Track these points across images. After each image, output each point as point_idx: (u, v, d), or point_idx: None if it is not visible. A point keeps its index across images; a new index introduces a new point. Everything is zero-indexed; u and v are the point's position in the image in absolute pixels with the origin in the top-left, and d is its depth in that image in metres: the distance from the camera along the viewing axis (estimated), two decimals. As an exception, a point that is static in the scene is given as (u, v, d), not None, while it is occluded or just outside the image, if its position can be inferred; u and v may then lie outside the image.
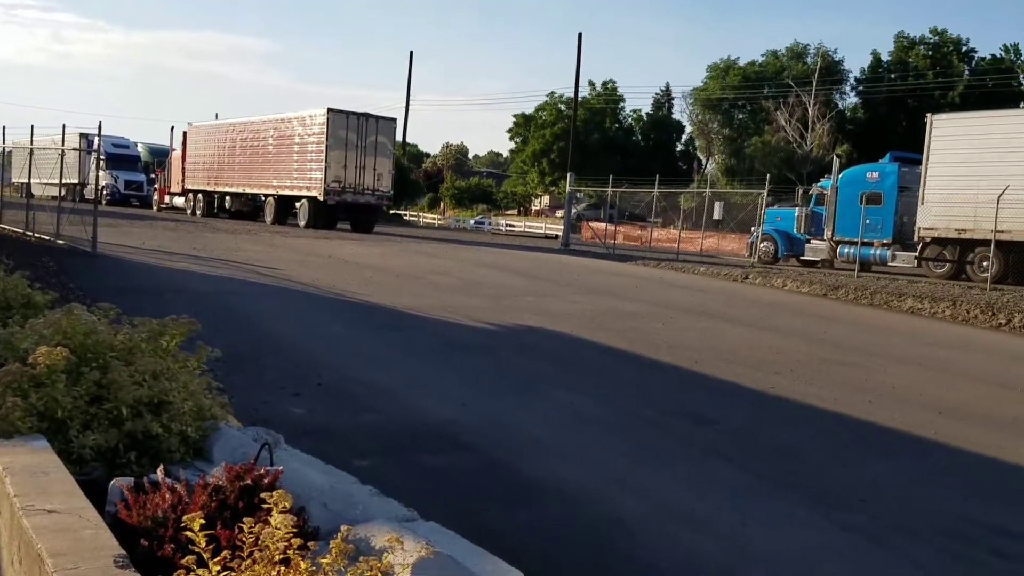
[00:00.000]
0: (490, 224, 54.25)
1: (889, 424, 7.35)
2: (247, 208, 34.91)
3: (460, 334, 10.61)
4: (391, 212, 44.77)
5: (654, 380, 8.86)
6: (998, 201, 17.87)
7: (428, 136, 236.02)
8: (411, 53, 77.90)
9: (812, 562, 4.49)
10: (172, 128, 40.66)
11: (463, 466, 5.60)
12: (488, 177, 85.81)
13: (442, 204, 73.42)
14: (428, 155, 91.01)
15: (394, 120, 32.27)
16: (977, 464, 6.43)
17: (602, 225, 34.47)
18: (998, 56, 51.51)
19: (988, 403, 8.54)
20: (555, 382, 8.36)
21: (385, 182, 30.42)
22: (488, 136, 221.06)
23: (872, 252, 22.65)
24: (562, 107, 61.63)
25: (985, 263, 19.33)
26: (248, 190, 33.98)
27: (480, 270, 18.80)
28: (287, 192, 31.34)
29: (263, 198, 33.33)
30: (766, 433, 7.02)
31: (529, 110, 65.75)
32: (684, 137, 64.38)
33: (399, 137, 46.75)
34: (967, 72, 50.99)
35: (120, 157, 42.42)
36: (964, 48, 52.41)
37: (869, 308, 16.26)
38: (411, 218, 58.59)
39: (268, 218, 32.25)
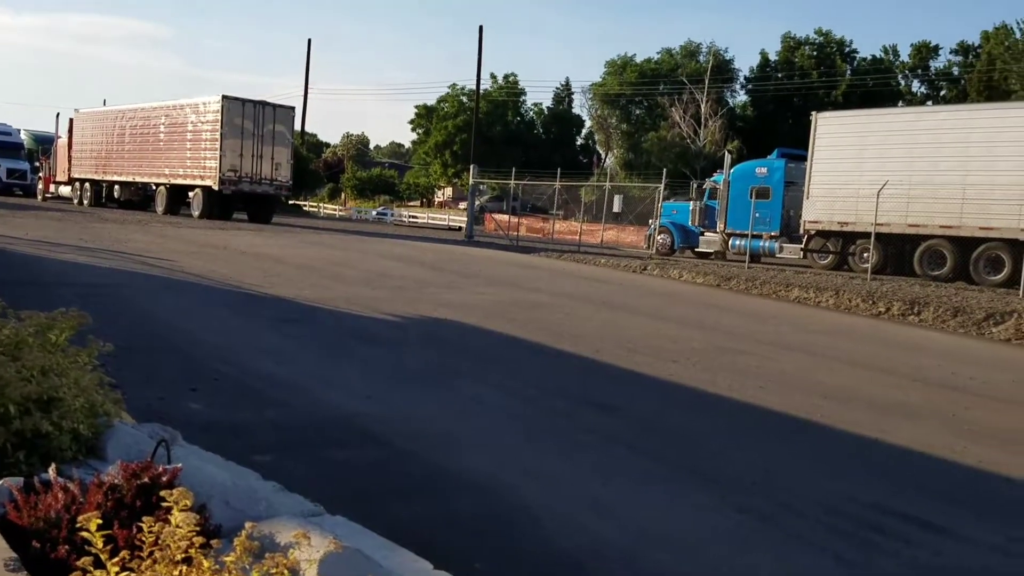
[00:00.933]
0: (393, 215, 53.78)
1: (779, 408, 7.68)
2: (137, 198, 33.64)
3: (364, 326, 10.50)
4: (290, 202, 43.85)
5: (558, 369, 8.99)
6: (878, 196, 18.87)
7: (328, 126, 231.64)
8: (309, 41, 76.33)
9: (710, 543, 4.65)
10: (58, 115, 38.89)
11: (370, 459, 5.56)
12: (390, 168, 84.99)
13: (343, 195, 72.28)
14: (328, 145, 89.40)
15: (292, 108, 31.64)
16: (861, 446, 6.78)
17: (505, 217, 34.69)
18: (878, 57, 54.29)
19: (870, 387, 9.02)
20: (460, 373, 8.38)
21: (283, 171, 29.78)
22: (390, 127, 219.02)
23: (761, 244, 23.57)
24: (464, 99, 61.58)
25: (865, 254, 20.37)
26: (138, 179, 32.72)
27: (384, 262, 18.62)
28: (180, 181, 30.32)
29: (154, 187, 32.15)
30: (665, 419, 7.24)
31: (431, 101, 65.52)
32: (584, 131, 65.37)
33: (298, 126, 45.76)
34: (849, 72, 53.49)
35: (1, 144, 40.16)
36: (847, 49, 54.98)
37: (759, 298, 16.92)
38: (311, 209, 57.50)
39: (160, 208, 31.14)
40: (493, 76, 63.53)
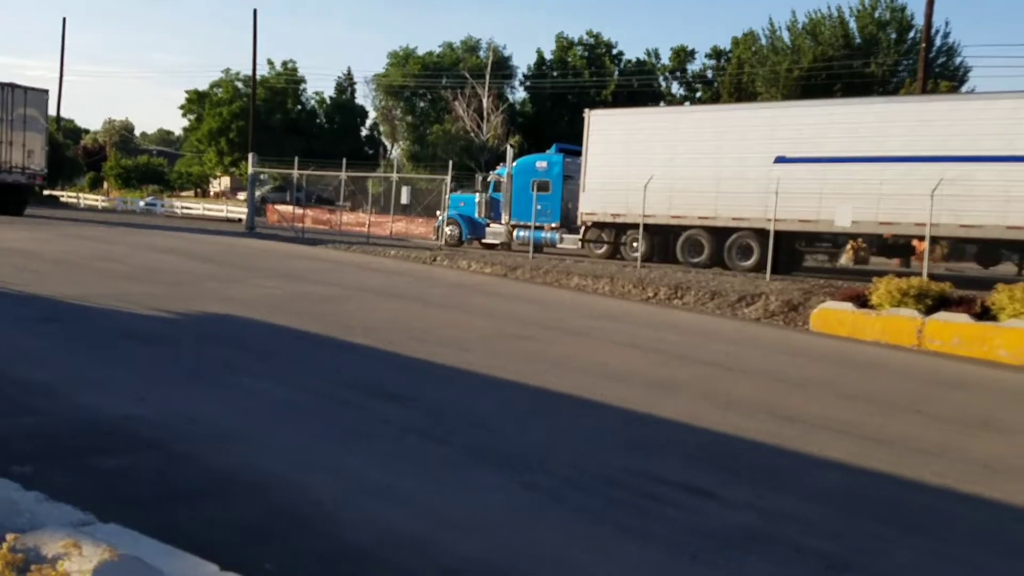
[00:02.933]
0: (163, 206, 50.58)
1: (563, 390, 8.07)
2: None
3: (134, 324, 9.80)
4: (45, 193, 39.97)
5: (349, 362, 8.87)
6: (645, 189, 20.20)
7: (88, 111, 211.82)
8: (64, 19, 69.81)
9: (500, 522, 4.81)
10: None
11: (145, 464, 5.21)
12: (159, 156, 79.66)
13: (106, 184, 66.81)
14: (88, 131, 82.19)
15: (46, 92, 28.81)
16: (635, 420, 7.28)
17: (289, 208, 33.62)
18: (642, 59, 57.96)
19: (642, 366, 9.68)
20: (244, 370, 8.05)
21: (37, 159, 27.15)
22: (157, 113, 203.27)
23: (544, 235, 24.51)
24: (240, 85, 58.87)
25: (635, 244, 21.74)
26: None
27: (155, 255, 17.44)
28: (-88, 170, 26.82)
29: None
30: (458, 406, 7.37)
31: (203, 86, 62.01)
32: (369, 122, 64.61)
33: (53, 110, 41.75)
34: (617, 72, 56.68)
35: None
36: (615, 50, 58.21)
37: (543, 286, 17.62)
38: (70, 199, 52.76)
39: None
40: (271, 62, 61.25)
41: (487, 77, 53.17)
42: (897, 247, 20.66)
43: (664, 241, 22.00)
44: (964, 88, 39.33)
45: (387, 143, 64.24)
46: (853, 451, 6.65)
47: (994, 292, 12.37)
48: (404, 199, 29.65)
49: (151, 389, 6.96)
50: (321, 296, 13.41)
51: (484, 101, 52.20)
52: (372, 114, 63.65)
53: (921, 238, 17.84)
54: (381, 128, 63.98)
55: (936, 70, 37.91)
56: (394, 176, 30.76)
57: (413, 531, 4.56)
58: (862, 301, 13.45)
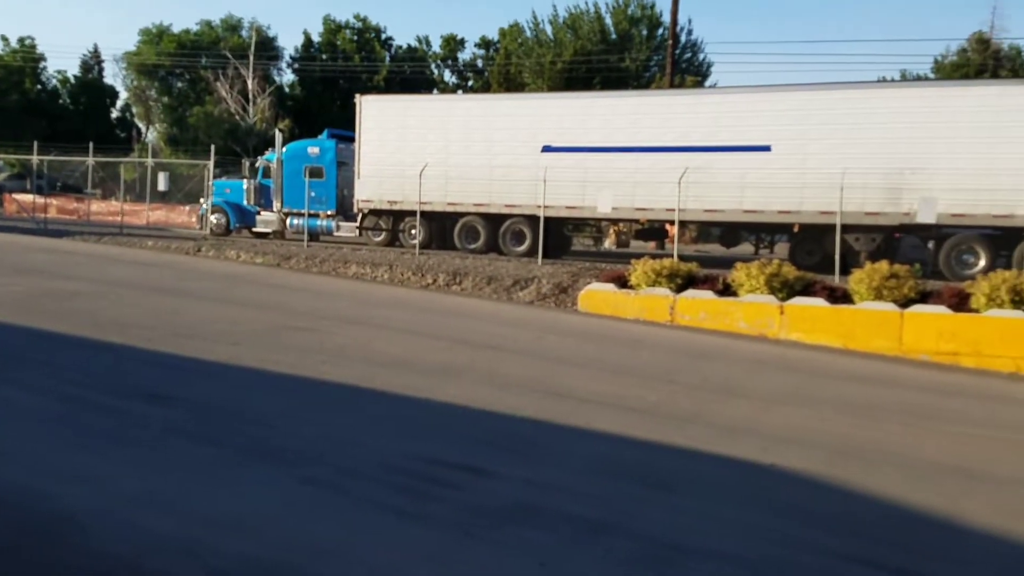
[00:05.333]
0: None
1: (341, 380, 7.97)
2: None
3: None
4: None
5: (102, 363, 8.21)
6: (420, 176, 20.33)
7: None
8: None
9: (275, 518, 4.69)
10: None
11: None
12: None
13: None
14: None
15: None
16: (415, 406, 7.35)
17: (29, 197, 30.42)
18: (413, 46, 58.02)
19: (422, 352, 9.77)
20: (-22, 378, 7.22)
21: None
22: None
23: (319, 223, 23.94)
24: (-31, 63, 52.39)
25: (413, 231, 21.81)
26: None
27: None
28: None
29: None
30: (228, 403, 7.06)
31: (-75, 66, 54.47)
32: (120, 103, 59.67)
33: None
34: (388, 58, 56.33)
35: None
36: (384, 36, 57.76)
37: (319, 275, 17.25)
38: None
39: None
40: (4, 39, 54.89)
41: (251, 58, 50.84)
42: (653, 231, 22.29)
43: (442, 228, 22.24)
44: (707, 82, 42.98)
45: (141, 125, 59.80)
46: (617, 422, 7.14)
47: (734, 270, 13.69)
48: (162, 186, 27.65)
49: None
50: (68, 292, 12.28)
51: (249, 83, 49.90)
52: (124, 95, 58.88)
53: (672, 222, 19.36)
54: (134, 110, 59.41)
55: (683, 66, 41.09)
56: (149, 161, 28.57)
57: (180, 536, 4.33)
58: (623, 282, 14.40)
